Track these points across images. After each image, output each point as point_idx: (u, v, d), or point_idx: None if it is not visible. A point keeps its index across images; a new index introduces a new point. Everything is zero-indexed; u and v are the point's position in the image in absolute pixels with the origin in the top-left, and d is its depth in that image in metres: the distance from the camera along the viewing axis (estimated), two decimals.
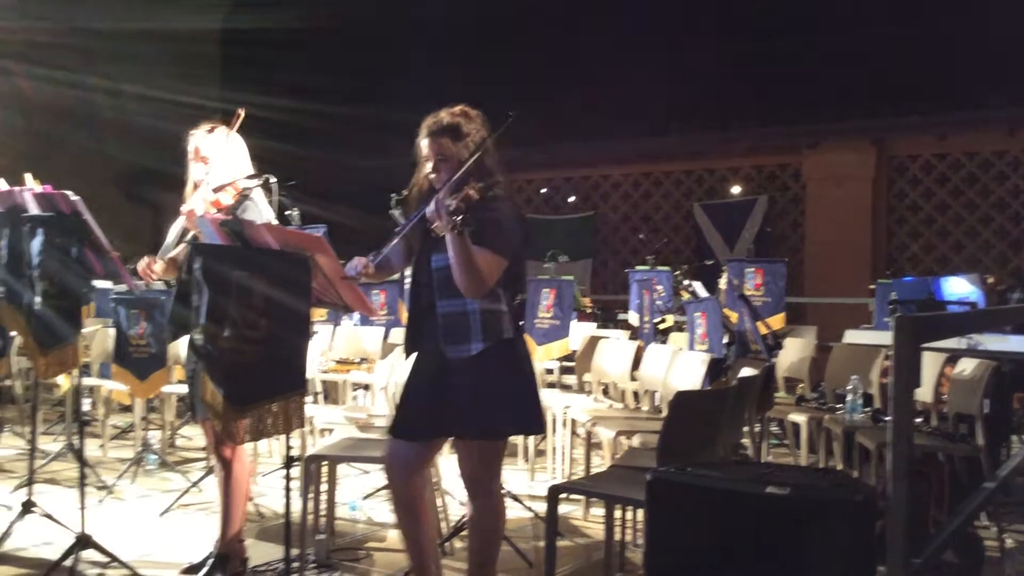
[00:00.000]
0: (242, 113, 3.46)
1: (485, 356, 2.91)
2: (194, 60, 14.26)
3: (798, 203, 12.17)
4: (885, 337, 5.66)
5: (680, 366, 4.55)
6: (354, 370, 6.93)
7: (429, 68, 11.50)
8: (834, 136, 11.42)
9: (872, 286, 7.84)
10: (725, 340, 4.73)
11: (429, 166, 3.00)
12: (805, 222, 11.99)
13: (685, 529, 2.13)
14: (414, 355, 3.10)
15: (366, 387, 6.96)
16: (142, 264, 3.55)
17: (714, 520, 2.09)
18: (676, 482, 2.13)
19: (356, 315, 7.80)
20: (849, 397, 4.78)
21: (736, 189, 12.59)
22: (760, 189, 12.41)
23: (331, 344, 6.79)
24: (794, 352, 5.94)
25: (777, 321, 6.08)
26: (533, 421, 3.08)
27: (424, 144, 3.00)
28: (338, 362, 7.06)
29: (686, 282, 6.01)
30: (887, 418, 4.65)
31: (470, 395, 2.92)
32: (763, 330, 4.20)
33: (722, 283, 6.36)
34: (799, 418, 5.15)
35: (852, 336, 5.43)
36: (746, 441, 4.31)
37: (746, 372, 3.71)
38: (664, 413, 4.76)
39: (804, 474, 2.47)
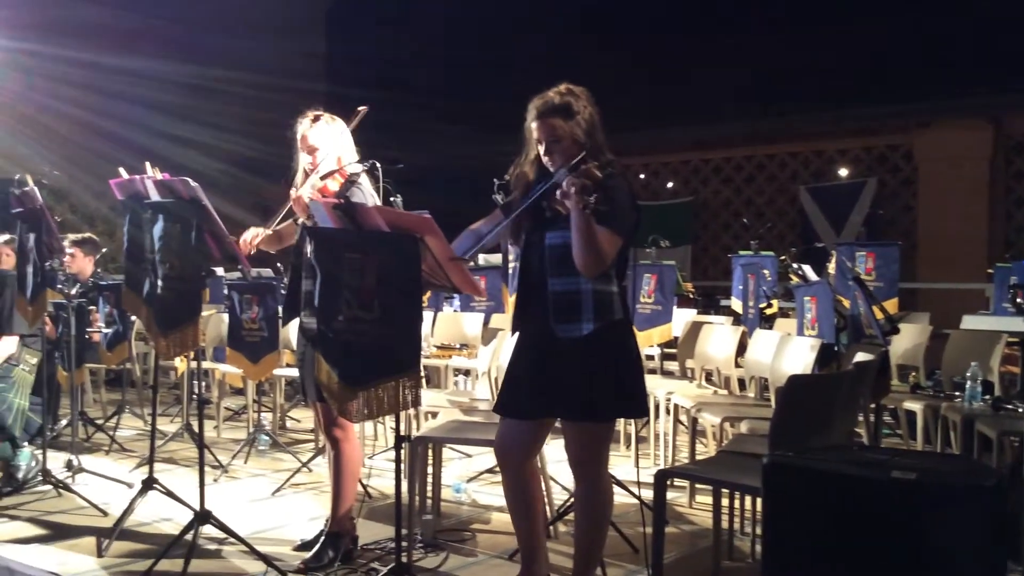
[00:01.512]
0: (362, 111, 3.53)
1: (594, 337, 2.89)
2: (300, 51, 14.60)
3: (910, 185, 11.72)
4: (1005, 323, 5.41)
5: (788, 351, 4.44)
6: (455, 355, 7.00)
7: (530, 50, 11.49)
8: (948, 114, 10.94)
9: (990, 270, 7.50)
10: (836, 325, 4.58)
11: (541, 148, 2.98)
12: (917, 205, 11.54)
13: (804, 514, 2.07)
14: (518, 333, 3.10)
15: (467, 372, 7.02)
16: (248, 235, 3.64)
17: (835, 505, 2.03)
18: (794, 466, 2.07)
19: (456, 301, 7.89)
20: (969, 384, 4.58)
21: (844, 171, 12.20)
22: (869, 171, 12.00)
23: (432, 330, 6.88)
24: (907, 339, 5.73)
25: (889, 307, 5.87)
26: (638, 405, 3.05)
27: (534, 126, 2.97)
28: (439, 347, 7.14)
29: (795, 265, 5.85)
30: (1009, 406, 4.45)
31: (577, 376, 2.90)
32: (879, 314, 4.04)
33: (831, 268, 6.17)
34: (915, 406, 4.97)
35: (970, 322, 5.21)
36: (859, 430, 4.17)
37: (861, 357, 3.59)
38: (772, 400, 4.66)
39: (929, 459, 2.38)
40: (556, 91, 2.97)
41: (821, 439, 2.88)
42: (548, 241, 2.93)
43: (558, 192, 2.78)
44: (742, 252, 7.72)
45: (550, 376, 2.95)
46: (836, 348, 4.68)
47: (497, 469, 5.11)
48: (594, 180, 2.66)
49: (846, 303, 5.02)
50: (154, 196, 3.51)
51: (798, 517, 2.09)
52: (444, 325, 6.99)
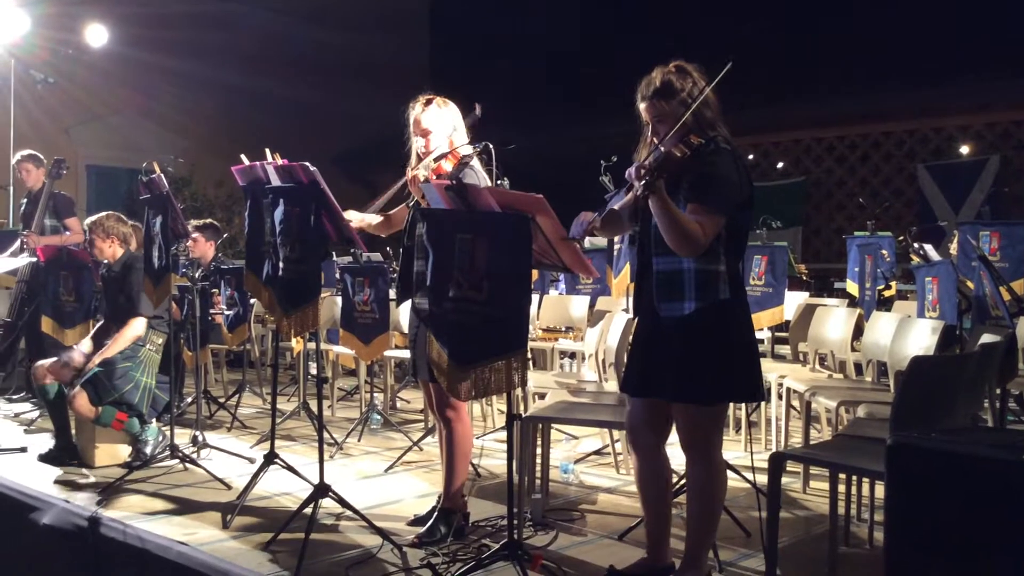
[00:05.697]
0: (478, 109, 3.58)
1: (698, 317, 2.87)
2: (403, 41, 14.83)
3: None
4: None
5: (909, 334, 4.28)
6: (561, 338, 7.01)
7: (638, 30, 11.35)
8: None
9: None
10: (959, 307, 4.40)
11: (649, 129, 2.99)
12: None
13: (930, 498, 2.00)
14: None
15: (572, 355, 7.03)
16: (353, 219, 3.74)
17: (963, 489, 1.95)
18: (920, 448, 2.00)
19: (562, 284, 7.90)
20: None
21: (965, 149, 11.68)
22: (992, 148, 11.46)
23: (538, 312, 6.91)
24: None
25: (1016, 287, 5.59)
26: (748, 389, 2.99)
27: (642, 108, 3.00)
28: (545, 330, 7.17)
29: (916, 245, 5.63)
30: None
31: (679, 356, 2.89)
32: (1006, 295, 3.87)
33: (953, 248, 5.93)
34: None
35: None
36: (983, 415, 4.01)
37: (987, 339, 3.44)
38: (890, 384, 4.52)
39: None
40: (662, 70, 2.97)
41: (944, 423, 2.79)
42: (654, 220, 2.92)
43: (626, 174, 2.77)
44: (858, 233, 7.48)
45: (655, 355, 2.95)
46: (958, 331, 4.51)
47: (605, 451, 5.14)
48: (670, 159, 2.64)
49: (970, 284, 4.82)
50: (275, 181, 3.63)
51: (923, 501, 2.02)
52: (550, 308, 7.02)
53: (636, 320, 3.10)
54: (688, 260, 2.85)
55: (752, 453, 4.06)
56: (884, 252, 6.02)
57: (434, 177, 3.47)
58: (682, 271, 2.87)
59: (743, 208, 2.91)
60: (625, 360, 3.22)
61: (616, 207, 3.05)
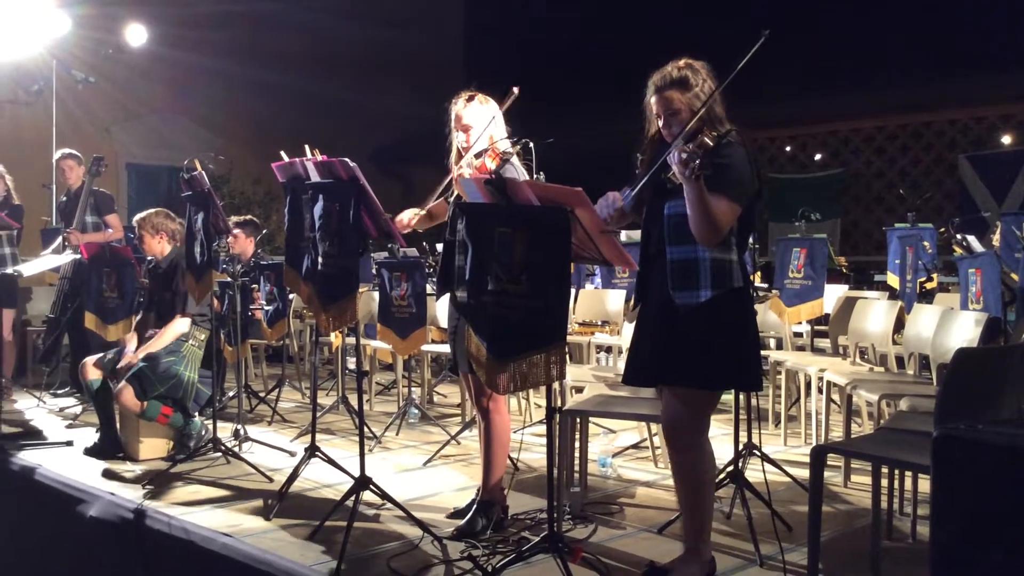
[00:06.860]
0: (516, 91, 3.61)
1: (712, 304, 2.92)
2: (439, 41, 14.86)
3: None
4: None
5: (952, 326, 4.23)
6: (597, 332, 7.00)
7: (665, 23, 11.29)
8: None
9: None
10: (1003, 299, 4.33)
11: (660, 122, 3.02)
12: None
13: (977, 491, 1.98)
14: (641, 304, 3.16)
15: (608, 349, 7.02)
16: (405, 216, 3.79)
17: (1011, 481, 1.93)
18: (967, 440, 1.98)
19: (598, 278, 7.89)
20: None
21: (1007, 139, 11.49)
22: None
23: (574, 307, 6.90)
24: None
25: None
26: (752, 376, 3.04)
27: (653, 101, 3.03)
28: (581, 324, 7.16)
29: (959, 236, 5.55)
30: None
31: (694, 342, 2.93)
32: None
33: (995, 239, 5.83)
34: None
35: None
36: None
37: None
38: (933, 377, 4.46)
39: None
40: (674, 65, 3.02)
41: (989, 415, 2.75)
42: (667, 211, 2.96)
43: (670, 159, 2.78)
44: (899, 224, 7.39)
45: (668, 343, 2.98)
46: (1003, 323, 4.44)
47: (643, 445, 5.14)
48: (704, 148, 2.66)
49: (1014, 276, 4.74)
50: (314, 177, 3.67)
51: (970, 494, 2.00)
52: (586, 302, 7.00)
53: (639, 309, 3.15)
54: (703, 249, 2.91)
55: (790, 448, 4.04)
56: (926, 244, 5.94)
57: (477, 174, 3.50)
58: (698, 260, 2.93)
59: (753, 201, 2.98)
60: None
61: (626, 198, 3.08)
